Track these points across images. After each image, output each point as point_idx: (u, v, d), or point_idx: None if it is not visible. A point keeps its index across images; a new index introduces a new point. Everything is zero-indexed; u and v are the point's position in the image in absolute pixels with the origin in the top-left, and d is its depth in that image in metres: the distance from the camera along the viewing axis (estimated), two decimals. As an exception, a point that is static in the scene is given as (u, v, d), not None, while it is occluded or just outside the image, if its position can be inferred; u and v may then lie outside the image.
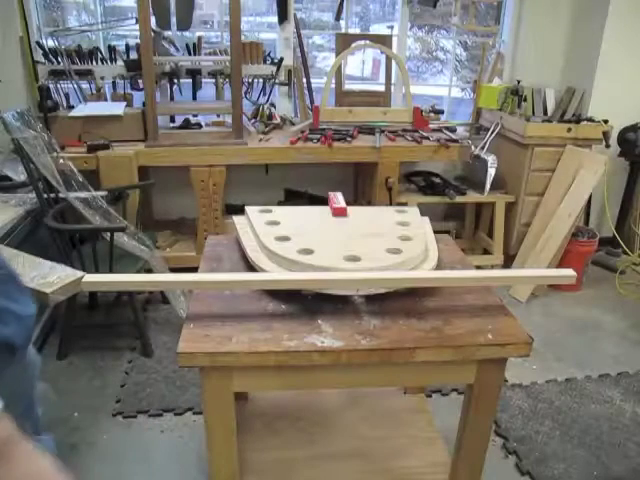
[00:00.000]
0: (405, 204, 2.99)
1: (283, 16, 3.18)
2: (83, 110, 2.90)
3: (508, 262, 3.32)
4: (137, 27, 2.70)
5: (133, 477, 1.82)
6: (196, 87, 3.19)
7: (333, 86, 3.35)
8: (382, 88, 3.57)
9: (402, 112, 3.27)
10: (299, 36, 3.26)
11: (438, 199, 3.21)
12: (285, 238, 1.38)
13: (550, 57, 3.52)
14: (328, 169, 3.38)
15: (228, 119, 3.16)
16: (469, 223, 3.58)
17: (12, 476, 0.64)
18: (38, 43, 3.02)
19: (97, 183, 2.67)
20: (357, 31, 3.99)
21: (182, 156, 2.83)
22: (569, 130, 3.08)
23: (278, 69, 3.19)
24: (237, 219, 1.58)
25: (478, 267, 3.08)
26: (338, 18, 3.42)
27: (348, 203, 1.62)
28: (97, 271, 2.21)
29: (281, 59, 3.20)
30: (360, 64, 5.76)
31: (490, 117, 3.43)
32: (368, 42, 3.39)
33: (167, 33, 3.10)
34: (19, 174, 2.52)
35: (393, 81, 3.56)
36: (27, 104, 2.88)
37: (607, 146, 3.06)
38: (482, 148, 3.25)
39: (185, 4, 2.98)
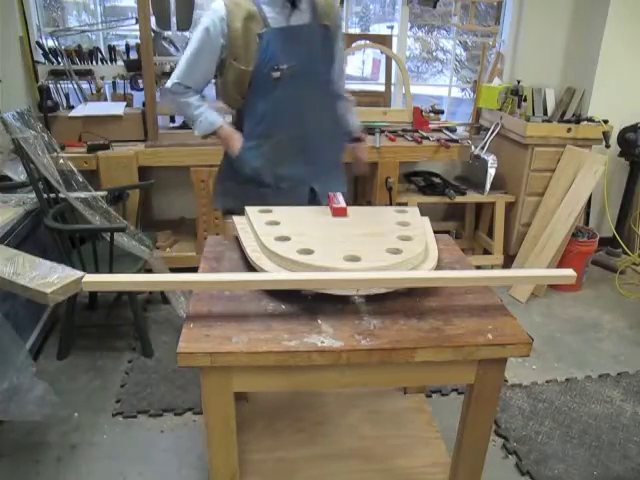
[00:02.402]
0: (405, 204, 2.99)
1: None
2: (83, 110, 2.90)
3: (508, 262, 3.32)
4: (137, 27, 2.71)
5: (133, 477, 1.82)
6: (196, 87, 3.19)
7: (333, 86, 3.35)
8: (382, 88, 3.57)
9: (402, 112, 3.27)
10: (299, 36, 3.25)
11: (438, 199, 3.21)
12: (285, 238, 1.38)
13: (550, 57, 3.52)
14: (328, 169, 3.37)
15: (228, 119, 3.15)
16: (469, 223, 3.58)
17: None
18: (38, 43, 3.02)
19: (97, 183, 2.67)
20: (357, 31, 3.99)
21: (182, 156, 2.83)
22: (569, 130, 3.08)
23: (278, 69, 3.19)
24: (237, 219, 1.58)
25: (478, 267, 3.08)
26: (338, 18, 3.42)
27: (348, 203, 1.62)
28: (97, 271, 2.21)
29: (281, 59, 3.19)
30: (360, 64, 5.76)
31: (490, 117, 3.43)
32: (368, 42, 3.39)
33: (167, 33, 3.10)
34: (19, 174, 2.52)
35: (393, 81, 3.56)
36: (27, 104, 2.88)
37: (607, 146, 3.06)
38: (482, 148, 3.25)
39: (185, 4, 2.98)
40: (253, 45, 1.69)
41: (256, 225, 1.47)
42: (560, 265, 3.05)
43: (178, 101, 1.85)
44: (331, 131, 1.91)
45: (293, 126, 1.82)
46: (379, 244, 1.38)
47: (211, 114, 1.85)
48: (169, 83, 1.82)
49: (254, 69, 1.72)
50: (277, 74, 1.71)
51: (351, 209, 1.60)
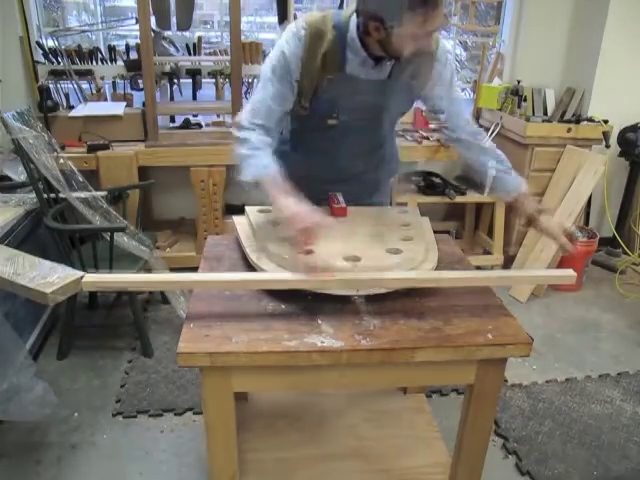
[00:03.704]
0: (405, 204, 2.99)
1: (283, 16, 3.18)
2: (83, 110, 2.90)
3: (508, 262, 3.32)
4: (137, 27, 2.71)
5: (133, 477, 1.82)
6: (196, 87, 3.19)
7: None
8: (382, 88, 3.56)
9: (402, 112, 3.26)
10: (299, 36, 3.24)
11: (438, 199, 3.21)
12: (285, 238, 1.38)
13: (550, 57, 3.52)
14: (328, 169, 3.37)
15: (228, 119, 3.16)
16: (469, 223, 3.57)
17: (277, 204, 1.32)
18: (38, 43, 3.02)
19: (97, 183, 2.67)
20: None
21: (182, 156, 2.83)
22: (569, 130, 3.08)
23: (278, 69, 3.18)
24: (237, 219, 1.58)
25: (478, 267, 3.08)
26: (338, 18, 3.41)
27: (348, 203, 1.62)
28: (97, 271, 2.21)
29: (281, 59, 3.19)
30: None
31: (490, 117, 3.42)
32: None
33: (167, 33, 3.10)
34: (19, 174, 2.52)
35: (393, 81, 3.55)
36: (27, 104, 2.87)
37: (607, 146, 3.06)
38: (482, 148, 3.25)
39: (185, 4, 2.98)
40: (321, 87, 1.48)
41: (256, 225, 1.47)
42: (560, 265, 3.05)
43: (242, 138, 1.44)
44: (372, 168, 1.73)
45: (327, 167, 1.65)
46: (379, 244, 1.38)
47: (266, 158, 1.40)
48: (241, 120, 1.48)
49: (311, 109, 1.52)
50: (333, 122, 1.53)
51: (351, 209, 1.60)
